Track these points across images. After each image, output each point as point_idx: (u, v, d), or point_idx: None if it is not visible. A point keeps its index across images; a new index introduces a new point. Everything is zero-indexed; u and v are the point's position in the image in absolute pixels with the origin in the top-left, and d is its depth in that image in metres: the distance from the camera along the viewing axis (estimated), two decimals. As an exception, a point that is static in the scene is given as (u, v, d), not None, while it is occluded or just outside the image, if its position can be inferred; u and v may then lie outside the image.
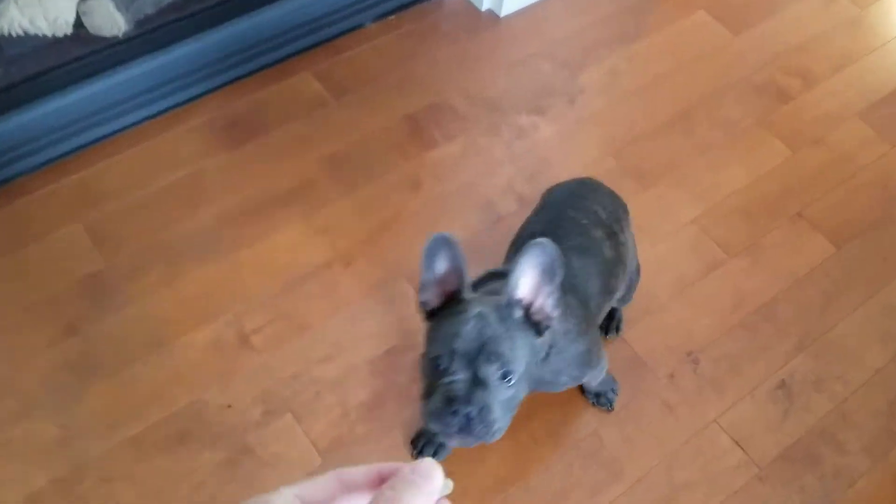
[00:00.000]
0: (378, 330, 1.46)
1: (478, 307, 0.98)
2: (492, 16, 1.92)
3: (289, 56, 1.78)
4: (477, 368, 0.95)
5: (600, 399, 1.41)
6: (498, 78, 1.82)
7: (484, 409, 0.95)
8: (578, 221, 1.24)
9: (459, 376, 0.96)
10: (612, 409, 1.40)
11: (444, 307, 1.02)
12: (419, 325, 1.09)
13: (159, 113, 1.68)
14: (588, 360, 1.19)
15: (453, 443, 1.02)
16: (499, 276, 1.10)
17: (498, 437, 0.97)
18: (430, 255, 1.00)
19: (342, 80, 1.78)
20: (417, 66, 1.82)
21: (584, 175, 1.42)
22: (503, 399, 0.97)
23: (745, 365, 1.48)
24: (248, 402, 1.37)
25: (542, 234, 1.04)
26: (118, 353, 1.41)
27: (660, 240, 1.61)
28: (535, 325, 1.02)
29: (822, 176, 1.73)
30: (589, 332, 1.19)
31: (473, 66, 1.83)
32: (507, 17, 1.92)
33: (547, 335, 1.04)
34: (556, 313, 1.02)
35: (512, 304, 0.99)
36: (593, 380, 1.33)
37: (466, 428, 0.95)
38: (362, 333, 1.45)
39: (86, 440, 1.32)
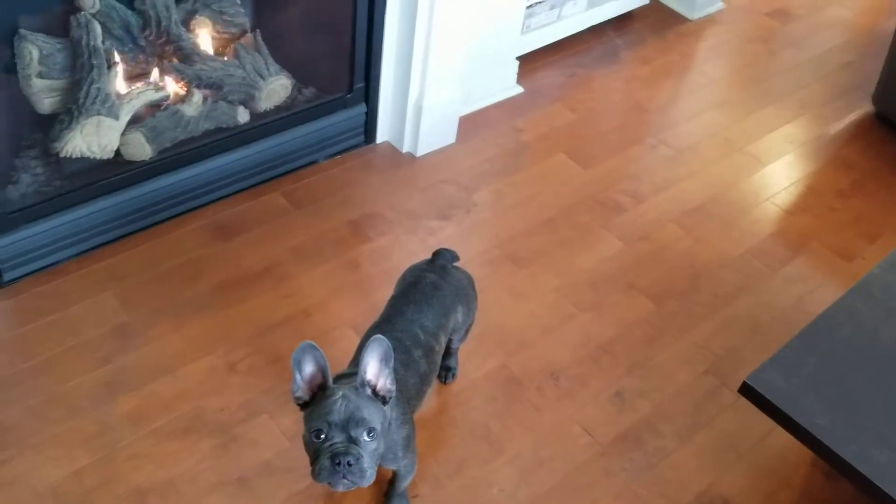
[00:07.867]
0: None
1: (341, 391, 1.33)
2: (410, 156, 2.65)
3: (263, 181, 2.45)
4: (349, 432, 1.30)
5: None
6: (414, 196, 2.51)
7: (360, 459, 1.29)
8: (403, 342, 1.61)
9: (338, 439, 1.30)
10: None
11: (313, 399, 1.36)
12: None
13: (170, 218, 2.29)
14: (408, 445, 1.56)
15: (340, 488, 1.33)
16: (347, 377, 1.46)
17: (370, 481, 1.32)
18: (298, 361, 1.35)
19: (302, 197, 2.44)
20: (357, 188, 2.51)
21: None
22: (370, 451, 1.32)
23: (591, 381, 2.08)
24: (236, 408, 1.91)
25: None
26: (140, 377, 1.94)
27: (532, 301, 2.25)
28: (381, 398, 1.38)
29: (647, 260, 2.42)
30: (409, 423, 1.56)
31: (397, 188, 2.53)
32: (421, 156, 2.65)
33: (389, 406, 1.40)
34: (393, 387, 1.39)
35: (364, 384, 1.35)
36: (405, 474, 1.66)
37: (350, 474, 1.29)
38: (317, 362, 2.02)
39: (117, 433, 1.83)
